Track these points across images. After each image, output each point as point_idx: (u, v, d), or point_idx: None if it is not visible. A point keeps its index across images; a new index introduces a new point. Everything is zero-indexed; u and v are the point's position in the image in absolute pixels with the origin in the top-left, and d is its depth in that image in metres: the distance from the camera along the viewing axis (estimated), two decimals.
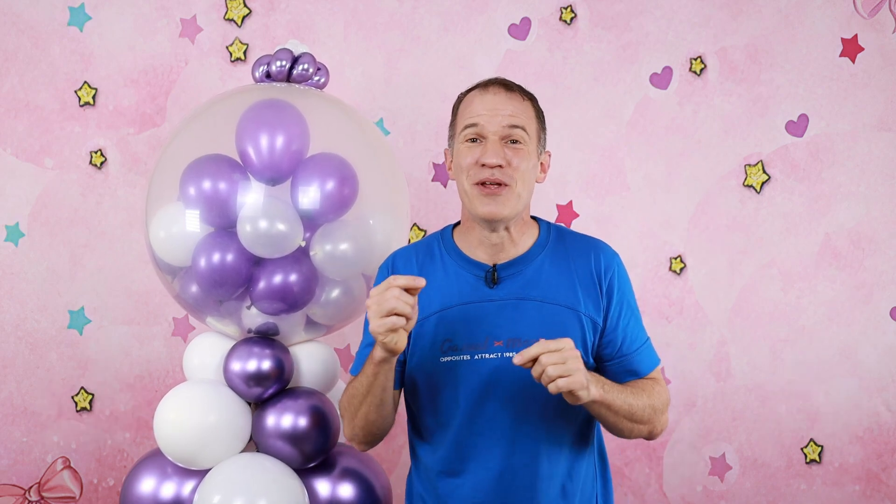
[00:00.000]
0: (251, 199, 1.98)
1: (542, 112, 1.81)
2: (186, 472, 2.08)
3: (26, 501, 2.58)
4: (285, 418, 2.03)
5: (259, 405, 2.09)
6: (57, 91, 2.57)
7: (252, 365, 2.05)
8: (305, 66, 2.10)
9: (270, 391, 2.07)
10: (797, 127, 2.63)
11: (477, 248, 1.78)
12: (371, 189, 2.09)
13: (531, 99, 1.79)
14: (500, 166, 1.70)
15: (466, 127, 1.73)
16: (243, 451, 2.09)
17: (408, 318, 1.57)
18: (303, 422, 2.03)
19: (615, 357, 1.78)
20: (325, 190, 2.01)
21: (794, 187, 2.63)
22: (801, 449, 2.64)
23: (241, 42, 2.59)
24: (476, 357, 1.72)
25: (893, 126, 2.63)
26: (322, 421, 2.05)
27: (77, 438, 2.59)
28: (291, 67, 2.10)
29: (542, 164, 1.80)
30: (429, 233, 2.57)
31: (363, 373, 1.71)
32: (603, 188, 2.63)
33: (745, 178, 2.63)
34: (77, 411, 2.59)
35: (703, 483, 2.64)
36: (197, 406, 2.03)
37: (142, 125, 2.58)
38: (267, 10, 2.59)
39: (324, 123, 2.10)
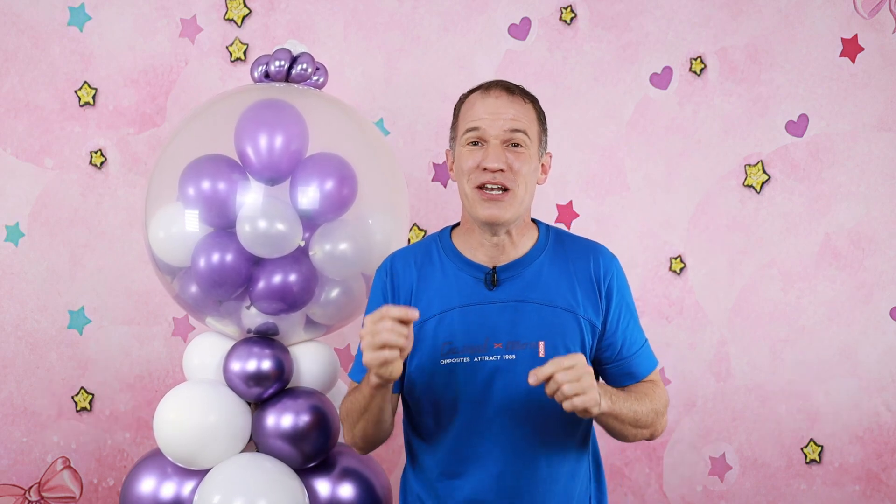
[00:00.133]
0: (250, 199, 1.98)
1: (544, 113, 1.81)
2: (186, 472, 2.08)
3: (26, 501, 2.58)
4: (285, 418, 2.03)
5: (259, 405, 2.09)
6: (57, 91, 2.57)
7: (252, 365, 2.05)
8: (304, 65, 2.10)
9: (270, 391, 2.07)
10: (797, 127, 2.63)
11: (477, 249, 1.78)
12: (370, 189, 2.09)
13: (533, 101, 1.78)
14: (502, 170, 1.70)
15: (468, 130, 1.73)
16: (243, 451, 2.09)
17: (402, 349, 1.56)
18: (303, 422, 2.03)
19: (615, 360, 1.79)
20: (325, 190, 2.00)
21: (794, 187, 2.62)
22: (801, 449, 2.63)
23: (241, 42, 2.59)
24: (476, 359, 1.72)
25: (893, 126, 2.62)
26: (322, 421, 2.05)
27: (77, 438, 2.59)
28: (290, 67, 2.10)
29: (542, 165, 1.80)
30: (429, 233, 2.57)
31: (360, 391, 1.71)
32: (603, 188, 2.63)
33: (745, 178, 2.63)
34: (77, 411, 2.59)
35: (703, 483, 2.64)
36: (197, 406, 2.03)
37: (142, 125, 2.58)
38: (267, 10, 2.59)
39: (323, 123, 2.10)
